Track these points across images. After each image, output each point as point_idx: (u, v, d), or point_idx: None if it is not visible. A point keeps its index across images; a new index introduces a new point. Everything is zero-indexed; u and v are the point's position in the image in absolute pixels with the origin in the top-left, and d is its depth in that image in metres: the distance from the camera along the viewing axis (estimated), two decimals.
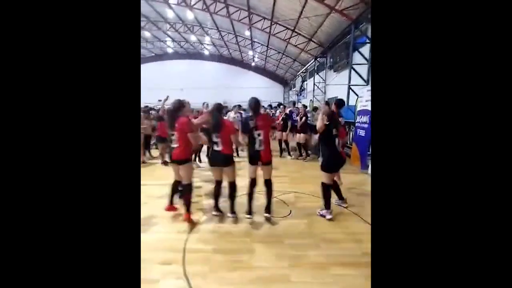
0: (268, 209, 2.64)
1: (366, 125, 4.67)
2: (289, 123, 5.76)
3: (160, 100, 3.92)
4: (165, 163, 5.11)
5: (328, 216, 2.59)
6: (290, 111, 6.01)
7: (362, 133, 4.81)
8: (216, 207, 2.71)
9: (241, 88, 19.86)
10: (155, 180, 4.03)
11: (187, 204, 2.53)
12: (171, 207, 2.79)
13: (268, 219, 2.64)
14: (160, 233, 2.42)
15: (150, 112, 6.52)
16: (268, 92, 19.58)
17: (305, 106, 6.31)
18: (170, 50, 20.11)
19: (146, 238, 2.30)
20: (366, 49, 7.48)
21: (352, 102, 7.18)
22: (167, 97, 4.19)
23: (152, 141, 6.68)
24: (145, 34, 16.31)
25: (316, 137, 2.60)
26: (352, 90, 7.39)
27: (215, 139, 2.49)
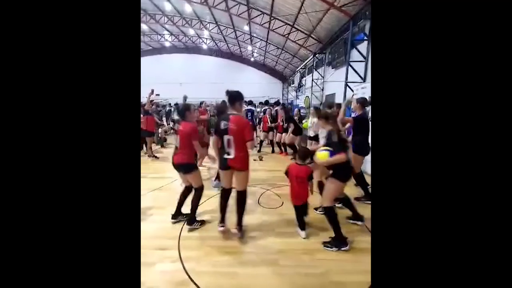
0: (239, 225, 2.25)
1: None
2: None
3: (157, 94, 3.96)
4: (155, 157, 5.21)
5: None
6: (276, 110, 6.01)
7: None
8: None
9: (240, 83, 19.82)
10: (151, 174, 4.13)
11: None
12: None
13: (260, 210, 2.76)
14: (156, 222, 2.54)
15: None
16: (267, 88, 19.59)
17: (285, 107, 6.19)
18: (167, 44, 19.94)
19: (144, 227, 2.42)
20: (363, 46, 7.52)
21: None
22: (152, 91, 4.22)
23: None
24: (142, 27, 16.13)
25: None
26: (349, 87, 7.47)
27: None
